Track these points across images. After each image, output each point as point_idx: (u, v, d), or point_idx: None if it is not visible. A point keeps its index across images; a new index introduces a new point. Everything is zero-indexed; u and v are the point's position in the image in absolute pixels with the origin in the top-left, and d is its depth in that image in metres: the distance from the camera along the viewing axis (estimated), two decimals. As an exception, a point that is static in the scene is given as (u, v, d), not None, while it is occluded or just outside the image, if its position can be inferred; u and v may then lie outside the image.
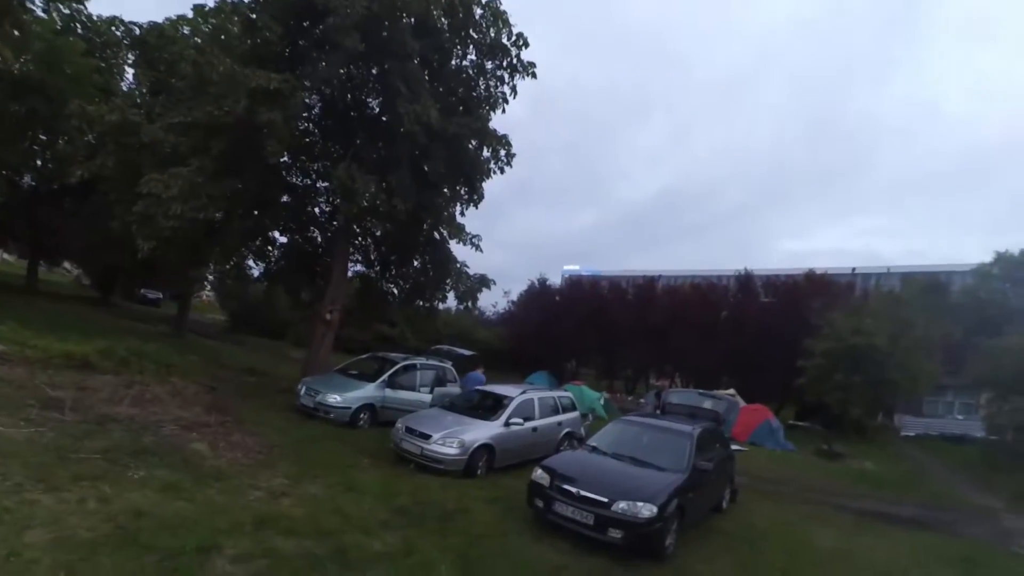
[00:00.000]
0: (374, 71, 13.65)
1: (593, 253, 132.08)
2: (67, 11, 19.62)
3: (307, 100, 13.57)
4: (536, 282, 37.38)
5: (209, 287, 33.35)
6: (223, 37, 16.31)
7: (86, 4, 20.01)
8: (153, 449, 6.38)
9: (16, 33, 16.49)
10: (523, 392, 10.78)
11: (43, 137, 20.29)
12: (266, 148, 11.50)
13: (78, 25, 20.23)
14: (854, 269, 38.44)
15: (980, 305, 27.12)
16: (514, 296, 38.73)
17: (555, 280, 40.94)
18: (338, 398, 11.05)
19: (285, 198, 15.55)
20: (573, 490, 6.50)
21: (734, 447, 11.74)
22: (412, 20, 12.79)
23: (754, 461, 14.61)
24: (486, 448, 9.10)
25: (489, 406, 10.23)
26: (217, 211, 12.74)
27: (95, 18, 20.76)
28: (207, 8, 18.26)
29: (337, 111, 14.47)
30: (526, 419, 10.07)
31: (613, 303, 33.48)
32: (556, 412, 11.25)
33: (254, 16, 13.32)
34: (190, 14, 19.01)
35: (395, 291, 17.62)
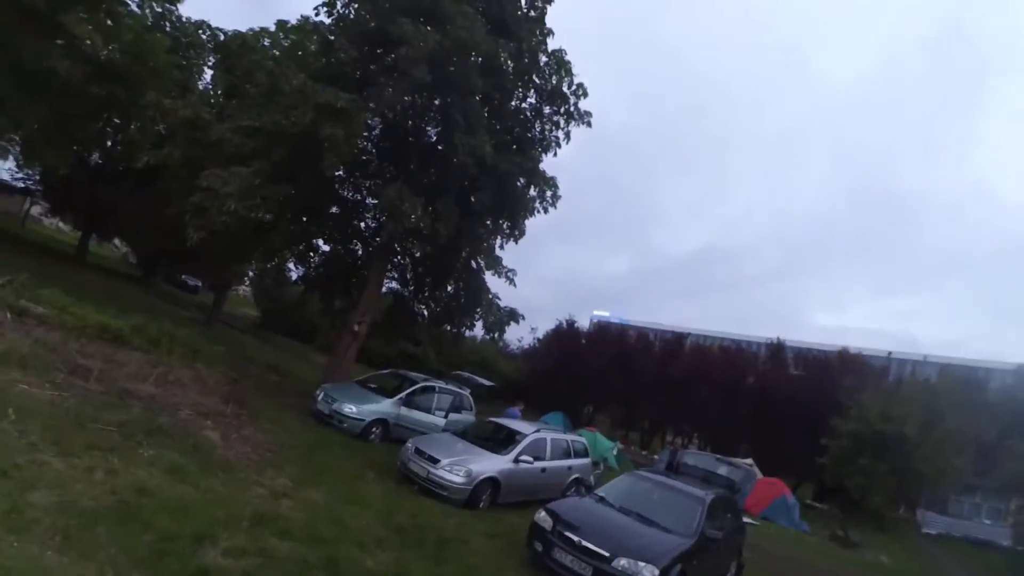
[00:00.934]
0: (436, 102, 14.13)
1: (624, 299, 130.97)
2: (159, 9, 21.10)
3: (369, 121, 14.12)
4: (564, 322, 37.16)
5: (247, 283, 34.29)
6: (300, 53, 17.28)
7: (178, 5, 21.51)
8: (167, 430, 6.44)
9: (108, 22, 17.79)
10: (537, 431, 10.56)
11: (117, 121, 21.57)
12: (324, 160, 11.95)
13: (167, 24, 21.71)
14: (890, 353, 36.94)
15: (1018, 406, 25.57)
16: (540, 333, 38.51)
17: (583, 323, 40.60)
18: (353, 409, 11.03)
19: (334, 209, 16.01)
20: (575, 539, 6.25)
21: (746, 519, 11.16)
22: (479, 59, 13.26)
23: (765, 537, 13.84)
24: (492, 481, 8.88)
25: (501, 440, 10.04)
26: (268, 212, 13.19)
27: (184, 19, 22.28)
28: (289, 24, 19.48)
29: (396, 135, 14.96)
30: (536, 458, 9.81)
31: (638, 352, 32.92)
32: (567, 456, 10.95)
33: (332, 37, 14.13)
34: (273, 28, 20.28)
35: (425, 312, 17.77)
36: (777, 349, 31.03)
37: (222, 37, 22.28)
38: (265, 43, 20.79)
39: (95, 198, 23.19)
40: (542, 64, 14.76)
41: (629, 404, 32.41)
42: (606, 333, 37.01)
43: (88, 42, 16.75)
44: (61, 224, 32.29)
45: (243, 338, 20.34)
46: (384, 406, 11.54)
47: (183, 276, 34.24)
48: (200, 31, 22.64)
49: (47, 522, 3.75)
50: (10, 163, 24.89)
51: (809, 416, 23.12)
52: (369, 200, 16.17)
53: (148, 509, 4.44)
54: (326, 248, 17.51)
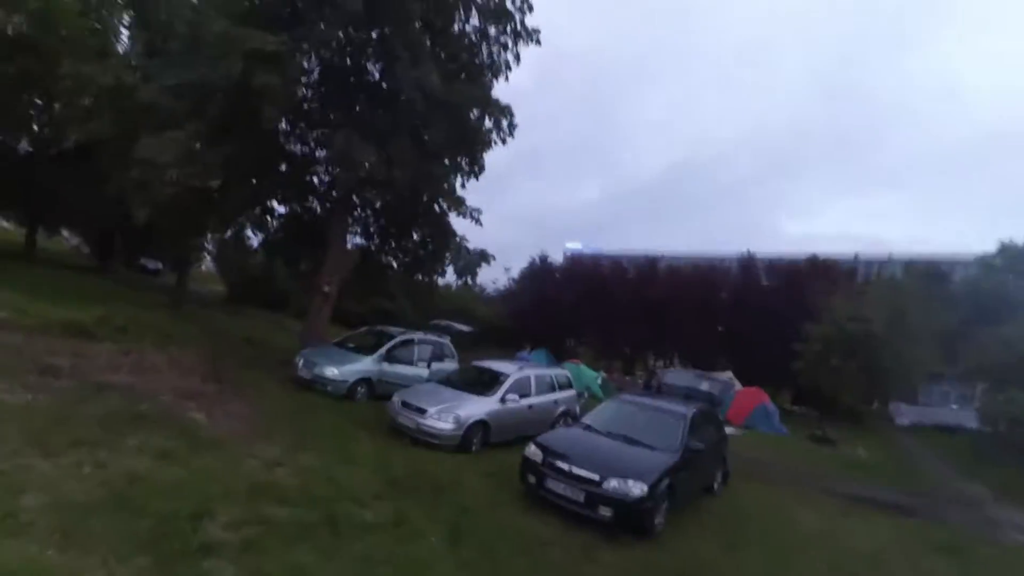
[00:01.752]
0: (374, 34, 13.28)
1: (597, 229, 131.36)
2: None
3: (305, 64, 13.29)
4: (537, 259, 37.29)
5: (208, 258, 33.22)
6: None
7: None
8: (150, 417, 6.42)
9: None
10: (520, 369, 10.85)
11: (39, 101, 19.94)
12: (263, 113, 11.29)
13: None
14: (856, 255, 38.19)
15: (981, 296, 27.04)
16: (515, 273, 38.68)
17: (557, 257, 40.84)
18: (335, 371, 11.09)
19: (283, 166, 15.32)
20: (565, 467, 6.58)
21: (728, 430, 11.85)
22: None
23: (748, 444, 14.76)
24: (481, 424, 9.18)
25: (486, 382, 10.29)
26: (214, 178, 12.60)
27: None
28: None
29: (336, 76, 14.10)
30: (522, 396, 10.14)
31: (613, 281, 33.44)
32: (553, 390, 11.32)
33: None
34: None
35: (394, 264, 17.56)
36: (748, 262, 31.82)
37: None
38: None
39: (32, 188, 21.77)
40: None
41: (608, 333, 33.29)
42: (580, 265, 37.37)
43: None
44: (3, 221, 30.43)
45: (213, 314, 19.95)
46: (365, 364, 11.62)
47: (141, 260, 32.96)
48: None
49: (43, 522, 3.78)
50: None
51: (782, 324, 24.07)
52: (319, 152, 15.46)
53: (142, 495, 4.50)
54: (283, 209, 16.95)
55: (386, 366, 11.91)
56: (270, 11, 12.51)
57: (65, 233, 30.43)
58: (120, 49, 20.51)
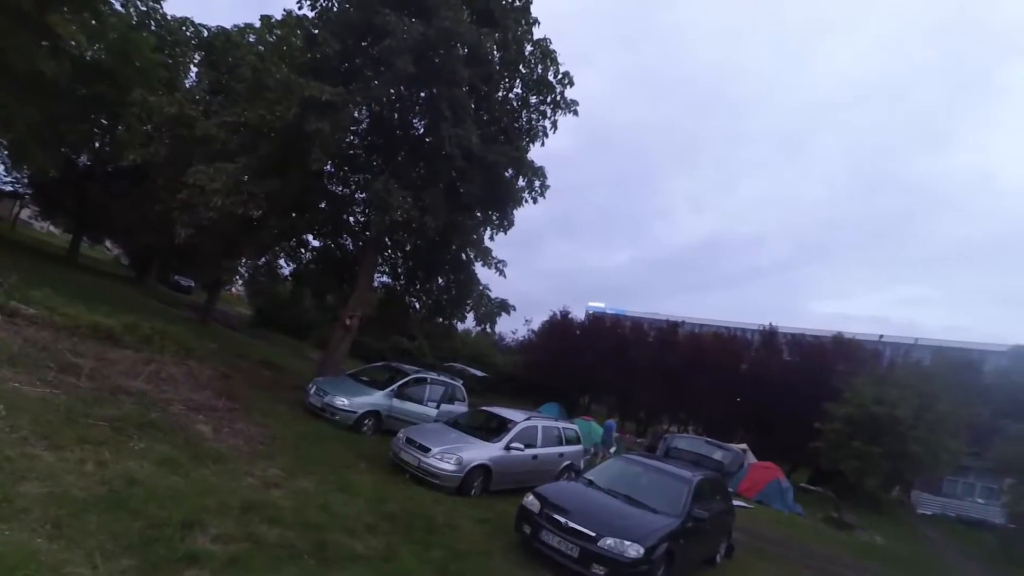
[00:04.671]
0: (423, 94, 14.15)
1: (624, 292, 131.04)
2: (143, 7, 20.97)
3: (356, 115, 14.13)
4: (558, 314, 37.27)
5: (240, 281, 34.26)
6: (285, 48, 17.24)
7: (162, 3, 21.35)
8: (158, 424, 6.52)
9: (93, 22, 17.70)
10: (528, 418, 10.70)
11: (104, 121, 21.47)
12: (311, 155, 11.97)
13: (152, 22, 21.58)
14: (881, 336, 37.17)
15: (1012, 388, 25.84)
16: (535, 325, 38.64)
17: (579, 314, 40.72)
18: (345, 401, 11.13)
19: (323, 204, 16.04)
20: (562, 520, 6.38)
21: (738, 503, 11.35)
22: (465, 49, 13.28)
23: (758, 520, 14.04)
24: (483, 468, 9.01)
25: (493, 428, 10.19)
26: (257, 209, 13.21)
27: (168, 17, 22.14)
28: (273, 20, 19.42)
29: (383, 128, 14.98)
30: (528, 445, 9.96)
31: (633, 342, 33.09)
32: (559, 443, 11.09)
33: (315, 31, 14.09)
34: (257, 24, 20.20)
35: (417, 305, 17.87)
36: (770, 335, 31.23)
37: (206, 34, 22.17)
38: (250, 39, 20.72)
39: (85, 199, 23.10)
40: (527, 54, 14.78)
41: (624, 393, 32.64)
42: (601, 324, 37.16)
43: (73, 42, 16.66)
44: (52, 227, 32.10)
45: (237, 335, 20.38)
46: (376, 398, 11.65)
47: (176, 276, 34.17)
48: (184, 28, 22.51)
49: (37, 511, 3.84)
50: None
51: (802, 401, 23.33)
52: (358, 194, 16.21)
53: (138, 498, 4.53)
54: (317, 243, 17.58)
55: (396, 402, 11.92)
56: (329, 64, 13.44)
57: (108, 244, 31.80)
58: (187, 84, 22.20)
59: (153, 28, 21.48)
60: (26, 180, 25.98)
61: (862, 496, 20.47)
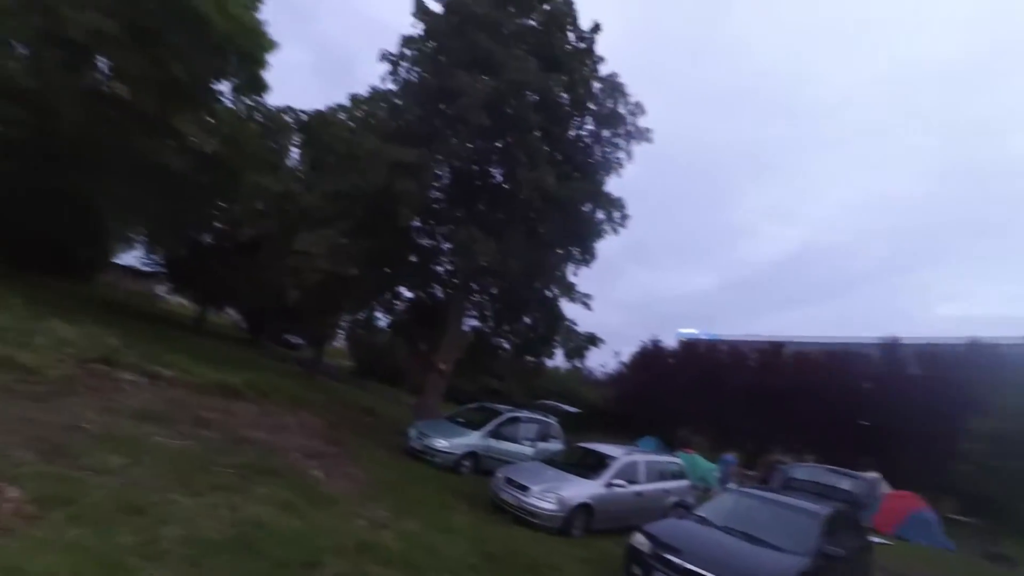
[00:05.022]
0: (498, 143, 14.79)
1: (714, 316, 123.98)
2: (250, 103, 23.84)
3: (438, 172, 15.01)
4: (649, 343, 36.05)
5: (342, 335, 36.59)
6: (371, 120, 18.86)
7: (264, 96, 24.18)
8: (278, 470, 7.01)
9: (210, 120, 20.38)
10: (628, 453, 10.31)
11: (222, 204, 24.31)
12: (400, 213, 12.83)
13: (258, 113, 24.44)
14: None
15: None
16: (625, 357, 37.57)
17: (670, 343, 39.16)
18: (444, 443, 11.38)
19: (412, 257, 16.90)
20: (676, 561, 5.99)
21: (875, 539, 10.06)
22: (535, 96, 13.80)
23: (900, 558, 12.33)
24: (584, 507, 8.75)
25: (591, 465, 9.92)
26: (354, 267, 14.29)
27: (271, 108, 24.97)
28: (360, 97, 21.38)
29: (463, 180, 15.72)
30: (630, 481, 9.57)
31: (732, 368, 31.13)
32: (664, 479, 10.55)
33: (398, 101, 15.29)
34: (347, 102, 22.49)
35: (506, 346, 18.13)
36: (891, 348, 28.11)
37: (304, 117, 24.72)
38: (341, 116, 22.87)
39: (208, 273, 26.08)
40: (596, 91, 15.10)
41: (726, 423, 30.53)
42: (694, 350, 35.43)
43: (194, 139, 19.25)
44: (182, 300, 36.27)
45: (340, 386, 21.65)
46: (473, 439, 11.79)
47: (285, 335, 37.18)
48: (284, 115, 25.24)
49: (177, 552, 4.22)
50: (139, 251, 28.88)
51: (936, 419, 20.57)
52: (444, 244, 16.98)
53: (264, 540, 4.85)
54: (409, 294, 18.49)
55: (492, 442, 11.99)
56: (411, 129, 14.47)
57: (228, 310, 35.32)
58: (289, 163, 24.80)
59: (258, 119, 24.31)
60: (161, 261, 29.84)
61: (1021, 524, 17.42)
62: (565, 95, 14.56)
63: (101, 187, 18.15)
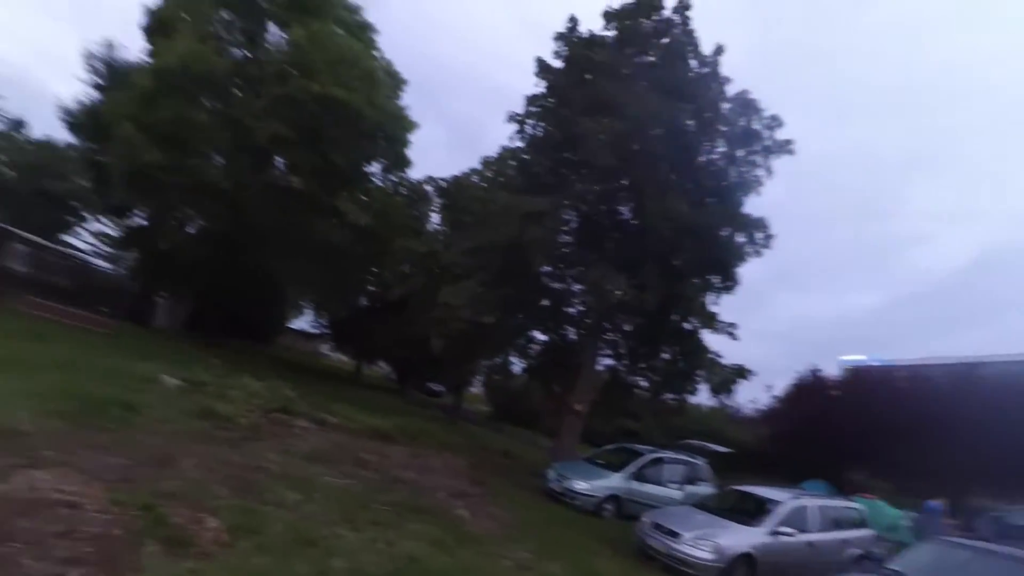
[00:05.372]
0: (624, 181, 14.84)
1: (881, 339, 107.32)
2: (395, 179, 26.78)
3: (565, 216, 15.42)
4: (807, 373, 32.22)
5: (480, 382, 38.20)
6: (501, 179, 20.19)
7: (407, 170, 27.02)
8: (427, 509, 7.37)
9: (364, 198, 23.41)
10: (795, 497, 9.19)
11: (374, 269, 27.14)
12: (531, 261, 13.38)
13: (403, 187, 27.30)
14: None
15: None
16: (778, 390, 33.91)
17: (831, 372, 34.65)
18: (585, 485, 11.12)
19: (545, 302, 17.26)
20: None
21: None
22: (660, 130, 13.76)
23: None
24: (746, 558, 7.89)
25: (750, 510, 8.99)
26: (492, 315, 15.09)
27: (414, 181, 27.75)
28: (491, 158, 23.33)
29: (591, 221, 15.87)
30: (799, 530, 8.46)
31: (913, 397, 26.47)
32: (840, 527, 9.21)
33: (526, 157, 16.16)
34: (480, 165, 24.71)
35: (642, 384, 17.54)
36: None
37: (443, 183, 27.11)
38: (474, 179, 24.77)
39: (363, 331, 29.15)
40: (725, 112, 14.60)
41: (909, 462, 25.76)
42: (863, 379, 30.86)
43: (351, 215, 22.13)
44: (342, 356, 40.69)
45: (479, 429, 22.45)
46: (614, 481, 11.37)
47: (429, 383, 39.72)
48: (425, 185, 27.86)
49: (345, 583, 4.58)
50: (308, 316, 33.56)
51: None
52: (574, 286, 17.07)
53: (417, 575, 5.08)
54: (543, 338, 18.79)
55: (635, 484, 11.47)
56: (539, 180, 15.17)
57: (380, 363, 38.82)
58: (430, 226, 27.32)
59: (404, 191, 27.16)
60: (325, 323, 34.02)
61: None
62: (691, 122, 14.27)
63: (278, 264, 21.55)
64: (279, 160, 22.07)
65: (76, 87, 23.21)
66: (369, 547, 5.52)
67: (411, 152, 24.29)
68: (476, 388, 42.11)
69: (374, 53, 22.93)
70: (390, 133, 22.71)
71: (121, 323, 18.55)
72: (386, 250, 23.20)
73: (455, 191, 25.35)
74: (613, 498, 11.18)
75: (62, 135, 25.01)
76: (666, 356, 16.58)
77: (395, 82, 23.47)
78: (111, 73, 22.42)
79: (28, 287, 17.88)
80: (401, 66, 24.23)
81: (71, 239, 30.31)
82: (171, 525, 4.46)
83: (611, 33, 14.83)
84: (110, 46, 22.65)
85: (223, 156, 20.79)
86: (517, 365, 20.92)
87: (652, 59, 14.78)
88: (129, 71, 21.31)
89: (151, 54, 20.36)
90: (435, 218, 27.75)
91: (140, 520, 4.34)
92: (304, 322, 36.83)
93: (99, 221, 28.79)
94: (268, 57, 21.11)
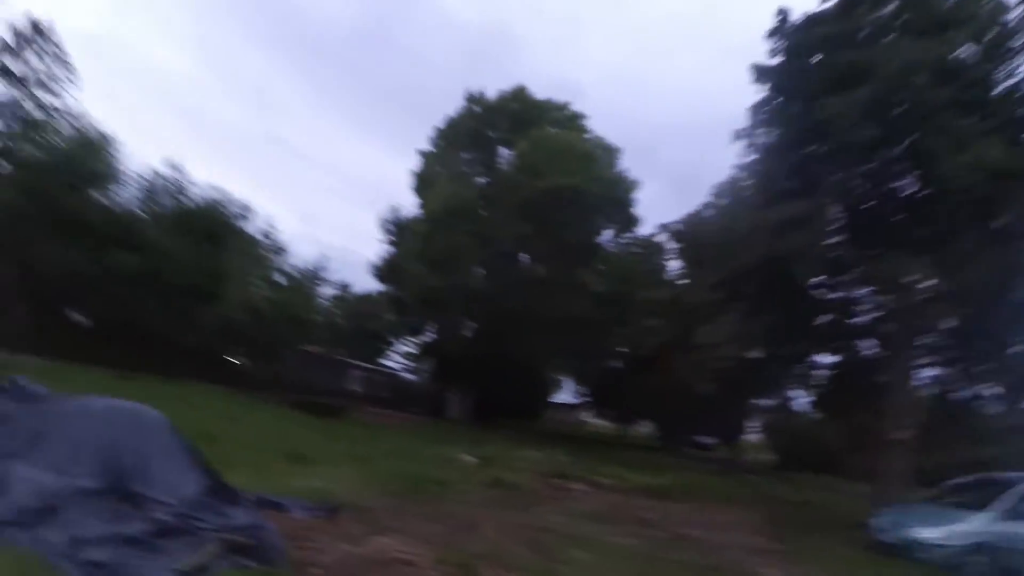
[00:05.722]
0: (896, 151, 12.57)
1: None
2: (624, 240, 27.62)
3: (827, 216, 13.55)
4: None
5: (756, 428, 34.47)
6: (738, 203, 18.60)
7: (637, 228, 27.54)
8: (722, 568, 6.75)
9: (600, 267, 24.78)
10: None
11: (620, 330, 27.42)
12: (797, 273, 12.02)
13: (635, 246, 27.78)
14: None
15: None
16: None
17: None
18: (936, 533, 8.71)
19: (822, 319, 14.96)
20: None
21: None
22: (924, 78, 11.47)
23: None
24: None
25: None
26: (756, 348, 13.85)
27: (645, 236, 27.74)
28: (723, 184, 20.50)
29: (863, 212, 13.49)
30: None
31: None
32: None
33: (764, 168, 14.54)
34: (711, 198, 23.01)
35: (986, 394, 13.59)
36: None
37: (677, 227, 26.09)
38: (708, 214, 23.54)
39: (621, 393, 29.44)
40: (1011, 26, 11.51)
41: None
42: None
43: (590, 286, 23.53)
44: (603, 421, 41.45)
45: (761, 480, 19.83)
46: (979, 524, 8.64)
47: (695, 437, 37.25)
48: (659, 235, 27.10)
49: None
50: (567, 388, 35.56)
51: None
52: (856, 292, 14.45)
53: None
54: (828, 361, 16.12)
55: (1011, 526, 8.53)
56: (786, 188, 13.36)
57: (641, 423, 38.28)
58: (668, 273, 27.08)
59: (637, 249, 27.63)
60: (585, 392, 35.44)
61: None
62: (970, 50, 11.57)
63: (534, 344, 24.22)
64: (523, 256, 25.77)
65: (376, 247, 31.57)
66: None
67: (639, 209, 25.79)
68: (752, 436, 38.12)
69: (586, 136, 25.58)
70: (614, 200, 24.12)
71: (425, 418, 22.58)
72: (629, 309, 23.71)
73: (690, 230, 24.28)
74: (982, 547, 8.45)
75: (372, 284, 32.99)
76: (1012, 350, 12.59)
77: (610, 154, 25.35)
78: (398, 229, 28.92)
79: (363, 400, 23.75)
80: (612, 133, 26.48)
81: (386, 361, 38.33)
82: (483, 583, 4.99)
83: (830, 3, 13.07)
84: (395, 209, 29.47)
85: (482, 266, 25.25)
86: (801, 400, 18.33)
87: (894, 5, 12.44)
88: (409, 223, 27.84)
89: (421, 205, 26.92)
90: (674, 265, 27.12)
91: (459, 577, 4.98)
92: (565, 395, 39.17)
93: (402, 343, 35.90)
94: (502, 175, 25.58)
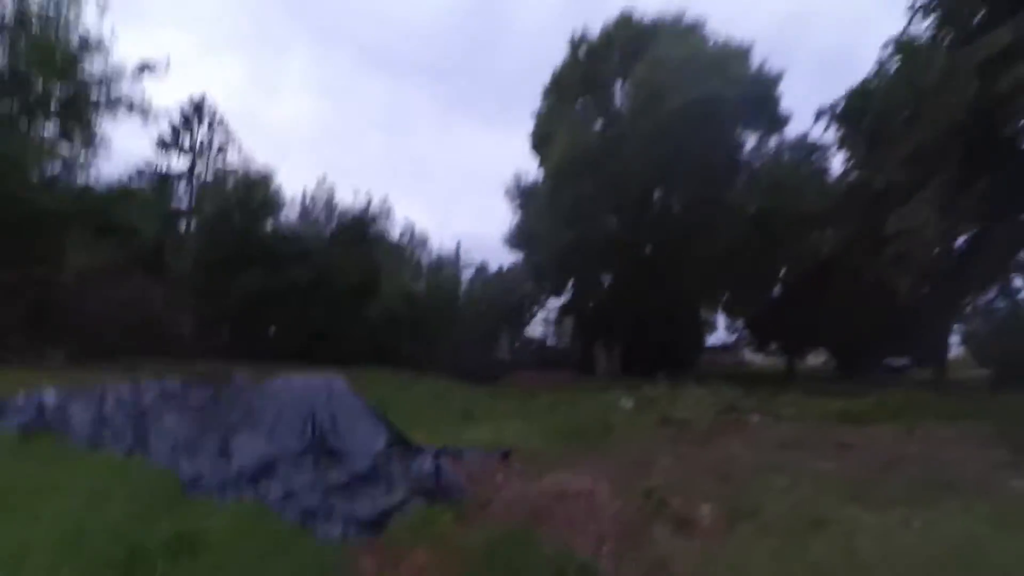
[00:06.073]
0: None
1: None
2: (772, 147, 25.09)
3: None
4: None
5: (964, 340, 29.24)
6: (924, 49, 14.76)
7: (785, 130, 24.72)
8: (957, 485, 5.66)
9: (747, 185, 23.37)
10: None
11: (781, 249, 24.61)
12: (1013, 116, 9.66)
13: (787, 150, 24.85)
14: None
15: None
16: None
17: None
18: None
19: None
20: None
21: None
22: None
23: None
24: None
25: None
26: (969, 226, 11.45)
27: (796, 136, 24.72)
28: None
29: None
30: None
31: None
32: None
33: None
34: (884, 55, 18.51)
35: None
36: None
37: (840, 104, 22.14)
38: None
39: (787, 321, 26.83)
40: None
41: None
42: None
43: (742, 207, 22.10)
44: (767, 357, 38.20)
45: (980, 395, 16.62)
46: None
47: (885, 360, 32.68)
48: (818, 122, 23.21)
49: (886, 566, 3.78)
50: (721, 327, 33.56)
51: None
52: None
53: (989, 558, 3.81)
54: None
55: None
56: (979, 18, 11.21)
57: (813, 354, 34.59)
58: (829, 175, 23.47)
59: (788, 154, 24.85)
60: (741, 326, 32.76)
61: None
62: None
63: (678, 287, 22.82)
64: (656, 194, 24.58)
65: (508, 221, 31.98)
66: (899, 528, 4.53)
67: (785, 104, 23.14)
68: (958, 351, 32.37)
69: (710, 44, 23.08)
70: (754, 100, 21.78)
71: (575, 376, 22.76)
72: (788, 224, 21.35)
73: (860, 105, 19.71)
74: None
75: (509, 259, 33.47)
76: None
77: (740, 55, 22.69)
78: (524, 195, 29.03)
79: (513, 368, 24.70)
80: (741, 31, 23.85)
81: (532, 328, 39.27)
82: (671, 510, 4.71)
83: None
84: (518, 176, 29.69)
85: (614, 213, 24.45)
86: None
87: None
88: (533, 187, 27.92)
89: (540, 164, 26.74)
90: (839, 158, 23.28)
91: (644, 506, 4.75)
92: (720, 335, 36.61)
93: (545, 308, 36.06)
94: (622, 111, 24.22)
